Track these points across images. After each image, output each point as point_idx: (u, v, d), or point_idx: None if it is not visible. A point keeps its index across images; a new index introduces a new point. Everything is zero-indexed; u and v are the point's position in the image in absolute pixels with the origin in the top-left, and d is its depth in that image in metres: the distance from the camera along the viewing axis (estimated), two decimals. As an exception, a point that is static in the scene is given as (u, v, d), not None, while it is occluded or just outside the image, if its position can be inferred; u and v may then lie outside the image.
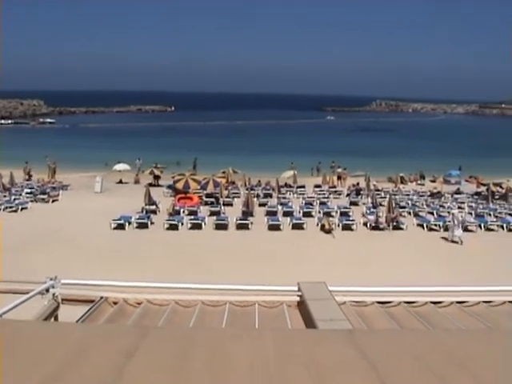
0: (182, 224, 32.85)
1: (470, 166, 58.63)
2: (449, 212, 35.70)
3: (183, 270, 23.36)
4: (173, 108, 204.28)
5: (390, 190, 44.69)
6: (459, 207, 39.40)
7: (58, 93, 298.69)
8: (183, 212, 36.32)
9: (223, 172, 46.96)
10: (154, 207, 36.43)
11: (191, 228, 32.49)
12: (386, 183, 50.84)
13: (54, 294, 7.38)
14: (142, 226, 32.49)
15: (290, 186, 46.81)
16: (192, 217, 34.40)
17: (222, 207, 37.69)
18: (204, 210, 37.07)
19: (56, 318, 7.29)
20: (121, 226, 31.92)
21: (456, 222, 32.03)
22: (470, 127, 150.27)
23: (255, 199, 39.77)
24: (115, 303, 7.44)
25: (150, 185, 43.18)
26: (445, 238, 30.98)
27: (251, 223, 32.97)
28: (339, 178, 51.60)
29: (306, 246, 29.11)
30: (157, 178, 48.76)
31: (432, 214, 37.24)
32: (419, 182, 53.42)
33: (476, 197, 44.23)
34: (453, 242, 30.70)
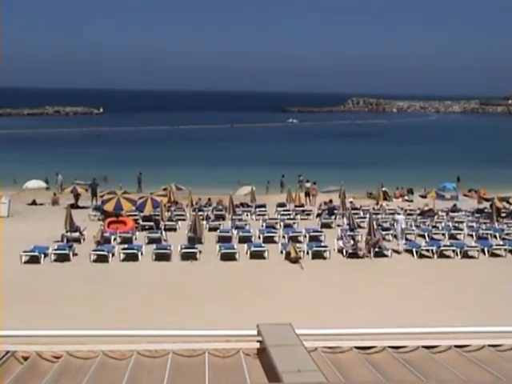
0: (113, 255, 32.53)
1: (470, 176, 59.47)
2: (394, 220, 38.30)
3: (112, 314, 23.11)
4: (101, 110, 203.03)
5: (370, 208, 44.99)
6: (456, 228, 39.95)
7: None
8: (114, 240, 36.00)
9: (164, 189, 46.68)
10: (77, 234, 35.98)
11: (125, 259, 32.22)
12: (366, 200, 51.24)
13: None
14: (62, 258, 32.06)
15: (248, 206, 46.84)
16: (125, 245, 34.12)
17: (164, 233, 37.49)
18: (141, 237, 36.81)
19: None
20: (34, 259, 31.42)
21: (399, 228, 34.60)
22: (468, 129, 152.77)
23: (204, 222, 39.69)
24: (25, 358, 7.28)
25: (72, 206, 42.70)
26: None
27: (199, 252, 32.84)
28: (308, 194, 51.81)
29: (268, 279, 29.10)
30: (78, 196, 48.18)
31: (423, 236, 37.66)
32: (406, 197, 53.97)
33: (477, 215, 44.75)
34: (395, 251, 34.02)
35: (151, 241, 35.78)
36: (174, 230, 39.58)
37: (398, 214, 40.73)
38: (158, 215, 39.72)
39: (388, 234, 37.44)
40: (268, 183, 56.72)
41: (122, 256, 32.45)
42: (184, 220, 42.19)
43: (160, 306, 24.66)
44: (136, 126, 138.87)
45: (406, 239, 36.83)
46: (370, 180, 55.61)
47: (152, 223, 39.83)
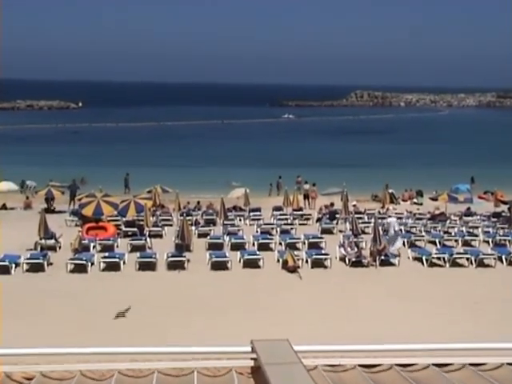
0: (93, 264, 32.50)
1: (485, 177, 59.49)
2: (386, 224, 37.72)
3: (92, 330, 23.04)
4: (79, 104, 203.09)
5: (375, 212, 44.95)
6: (470, 233, 39.97)
7: None
8: (94, 247, 35.95)
9: (149, 191, 46.62)
10: (52, 242, 35.89)
11: (105, 269, 32.15)
12: (371, 203, 51.24)
13: None
14: (36, 268, 31.95)
15: (241, 210, 46.81)
16: (106, 254, 34.02)
17: (148, 240, 37.45)
18: (123, 244, 36.75)
19: None
20: (4, 270, 31.32)
21: (392, 231, 34.96)
22: (484, 124, 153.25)
23: (193, 228, 39.68)
24: (-7, 380, 7.24)
25: (47, 211, 42.56)
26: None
27: (188, 261, 32.85)
28: (306, 197, 51.82)
29: (263, 290, 29.09)
30: (52, 200, 48.02)
31: (434, 243, 37.70)
32: (415, 200, 54.00)
33: (494, 219, 44.74)
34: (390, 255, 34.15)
35: (134, 248, 35.69)
36: (160, 236, 39.56)
37: (389, 216, 41.14)
38: (142, 220, 39.54)
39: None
40: (271, 185, 56.66)
41: (103, 265, 32.36)
42: (171, 225, 42.11)
43: (144, 319, 24.61)
44: (118, 122, 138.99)
45: (415, 246, 36.95)
46: (375, 181, 55.65)
47: (135, 229, 39.80)
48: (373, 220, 37.27)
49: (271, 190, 56.57)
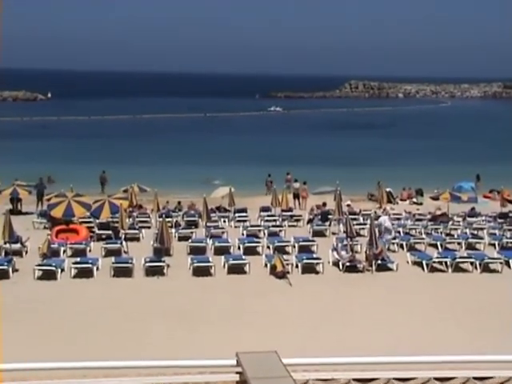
0: (63, 270, 32.33)
1: (491, 174, 59.51)
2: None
3: (61, 343, 22.94)
4: (48, 95, 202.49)
5: (371, 212, 45.02)
6: (474, 236, 40.04)
7: None
8: (64, 252, 35.82)
9: (124, 190, 46.50)
10: (18, 246, 35.73)
11: (77, 275, 32.02)
12: (366, 203, 51.28)
13: None
14: (0, 274, 31.83)
15: (225, 210, 46.71)
16: (78, 259, 33.91)
17: (124, 243, 37.33)
18: (96, 249, 36.63)
19: None
20: (-35, 277, 31.24)
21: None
22: (490, 117, 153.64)
23: (173, 230, 39.63)
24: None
25: (12, 212, 42.42)
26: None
27: (167, 266, 32.80)
28: (296, 196, 51.83)
29: (249, 297, 29.06)
30: (19, 201, 47.84)
31: (435, 246, 37.77)
32: (415, 199, 54.05)
33: (500, 220, 44.74)
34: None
35: (109, 253, 35.60)
36: (137, 239, 39.46)
37: (379, 216, 41.33)
38: (117, 222, 39.30)
39: (393, 244, 37.52)
40: (271, 183, 56.44)
41: (74, 271, 32.21)
42: (149, 228, 42.13)
43: (119, 331, 24.54)
44: (90, 115, 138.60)
45: (415, 249, 37.00)
46: (371, 179, 55.58)
47: (110, 232, 39.66)
48: (369, 221, 37.30)
49: (268, 189, 56.05)
